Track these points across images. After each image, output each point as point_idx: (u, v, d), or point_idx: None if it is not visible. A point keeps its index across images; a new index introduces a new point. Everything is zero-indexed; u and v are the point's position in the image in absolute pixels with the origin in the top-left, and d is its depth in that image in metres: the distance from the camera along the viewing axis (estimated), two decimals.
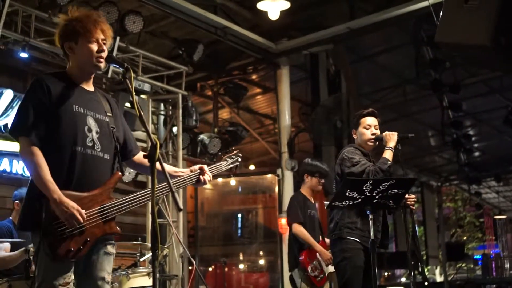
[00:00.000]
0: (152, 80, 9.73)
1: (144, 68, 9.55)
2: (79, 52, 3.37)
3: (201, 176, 3.63)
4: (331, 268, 6.48)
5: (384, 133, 5.05)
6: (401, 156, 5.03)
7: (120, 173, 3.40)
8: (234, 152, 4.06)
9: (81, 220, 3.12)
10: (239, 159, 4.05)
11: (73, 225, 3.11)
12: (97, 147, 3.34)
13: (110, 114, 3.49)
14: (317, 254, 6.50)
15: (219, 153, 4.09)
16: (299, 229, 6.48)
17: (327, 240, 6.36)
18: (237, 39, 10.26)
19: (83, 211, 3.14)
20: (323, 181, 6.79)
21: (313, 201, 6.82)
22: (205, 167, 3.67)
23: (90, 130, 3.33)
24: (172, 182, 3.38)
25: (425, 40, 11.68)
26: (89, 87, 3.49)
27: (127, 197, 3.33)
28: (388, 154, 4.91)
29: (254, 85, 13.57)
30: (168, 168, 3.60)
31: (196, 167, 3.67)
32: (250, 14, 10.41)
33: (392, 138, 4.97)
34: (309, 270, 6.38)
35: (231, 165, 3.98)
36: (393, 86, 14.32)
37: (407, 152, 5.08)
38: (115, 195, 3.36)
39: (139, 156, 3.68)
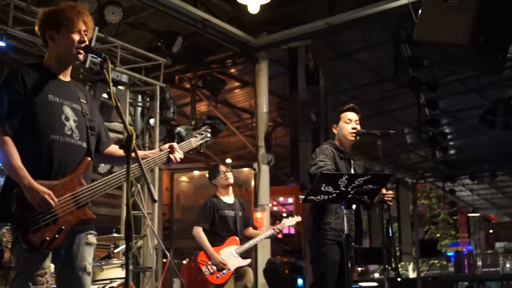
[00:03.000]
0: (130, 71, 9.68)
1: (122, 59, 9.50)
2: (61, 42, 3.36)
3: (171, 155, 3.61)
4: (238, 262, 6.59)
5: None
6: (381, 152, 5.05)
7: (89, 159, 3.38)
8: (203, 128, 4.02)
9: (53, 204, 3.11)
10: (209, 135, 4.02)
11: (46, 210, 3.10)
12: (76, 135, 3.35)
13: (85, 105, 3.49)
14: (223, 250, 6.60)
15: (191, 133, 4.02)
16: (195, 231, 6.67)
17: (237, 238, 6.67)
18: (216, 32, 10.23)
19: (55, 198, 3.13)
20: (229, 173, 6.82)
21: (232, 200, 6.85)
22: (174, 144, 3.64)
23: (67, 119, 3.34)
24: (143, 162, 3.36)
25: (404, 38, 11.73)
26: (66, 77, 3.48)
27: (99, 181, 3.32)
28: None
29: (233, 79, 13.55)
30: (139, 152, 3.61)
31: (166, 146, 3.64)
32: (230, 7, 10.39)
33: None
34: (203, 269, 6.49)
35: (201, 141, 3.96)
36: (371, 83, 14.38)
37: (383, 148, 5.08)
38: None
39: (112, 149, 3.67)
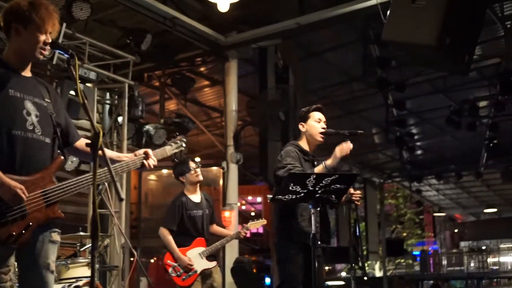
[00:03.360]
0: (99, 68, 9.59)
1: (90, 56, 9.40)
2: (25, 38, 3.30)
3: (145, 161, 3.62)
4: (205, 265, 6.58)
5: (338, 148, 5.03)
6: (351, 152, 5.07)
7: (62, 157, 3.36)
8: (179, 137, 4.08)
9: (24, 198, 3.08)
10: (184, 144, 4.06)
11: (17, 204, 3.07)
12: (38, 130, 3.29)
13: (49, 100, 3.43)
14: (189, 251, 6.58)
15: (165, 141, 4.06)
16: (161, 232, 6.61)
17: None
18: (186, 30, 10.19)
19: (26, 193, 3.09)
20: (199, 169, 6.80)
21: (199, 198, 6.82)
22: (149, 151, 3.65)
23: (29, 113, 3.28)
24: (116, 166, 3.40)
25: (373, 39, 11.84)
26: (27, 73, 3.42)
27: (70, 181, 3.29)
28: (320, 168, 5.00)
29: (202, 77, 13.52)
30: (112, 153, 3.62)
31: (141, 151, 3.65)
32: (200, 6, 10.35)
33: (344, 152, 4.98)
34: (169, 271, 6.47)
35: (176, 150, 4.00)
36: (340, 83, 14.47)
37: (352, 149, 5.11)
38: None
39: (81, 143, 3.63)
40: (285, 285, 4.98)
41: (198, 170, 6.79)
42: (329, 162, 4.98)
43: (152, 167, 3.66)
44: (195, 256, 6.55)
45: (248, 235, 6.91)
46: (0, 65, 3.31)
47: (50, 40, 3.32)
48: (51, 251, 3.32)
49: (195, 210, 6.70)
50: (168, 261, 6.52)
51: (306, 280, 4.88)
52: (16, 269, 3.31)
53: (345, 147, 4.99)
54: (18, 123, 3.22)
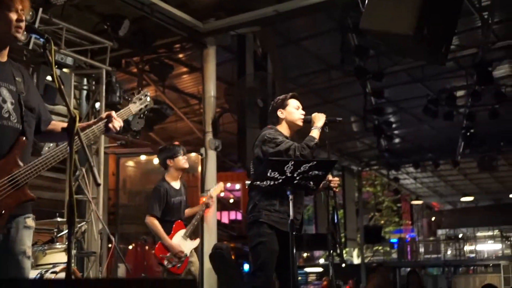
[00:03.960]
0: (76, 54, 9.52)
1: (67, 41, 9.32)
2: None
3: (110, 124, 3.47)
4: (191, 245, 6.65)
5: (313, 114, 5.14)
6: (328, 139, 5.12)
7: (24, 138, 3.26)
8: (142, 92, 3.88)
9: None
10: (148, 98, 3.86)
11: None
12: (13, 118, 3.24)
13: (21, 84, 3.36)
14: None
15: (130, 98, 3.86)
16: (150, 221, 6.53)
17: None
18: (164, 16, 10.12)
19: None
20: (186, 157, 6.81)
21: (179, 185, 6.81)
22: (113, 113, 3.50)
23: (4, 101, 3.23)
24: (82, 134, 3.23)
25: (351, 27, 11.87)
26: (3, 58, 3.35)
27: (35, 161, 3.22)
28: (315, 133, 5.01)
29: (181, 64, 13.47)
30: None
31: (104, 114, 3.51)
32: None
33: (320, 118, 5.08)
34: (165, 263, 6.45)
35: (141, 106, 3.82)
36: (318, 71, 14.51)
37: (329, 136, 5.17)
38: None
39: (51, 125, 3.55)
40: (258, 273, 5.01)
41: (185, 157, 6.77)
42: (314, 134, 5.03)
43: (118, 128, 3.51)
44: (180, 240, 6.56)
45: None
46: None
47: (23, 18, 3.24)
48: (26, 237, 3.28)
49: (177, 197, 6.70)
50: (161, 255, 6.46)
51: (281, 265, 4.94)
52: None
53: (319, 115, 5.12)
54: None
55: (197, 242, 6.75)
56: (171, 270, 6.47)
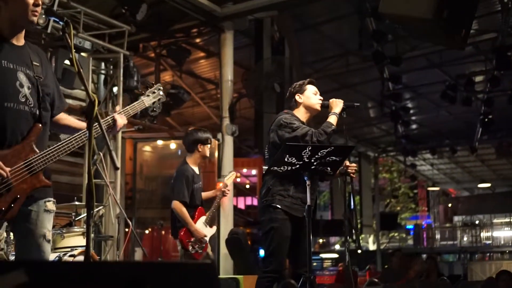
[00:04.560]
0: (94, 38, 9.53)
1: (85, 25, 9.34)
2: (13, 3, 3.18)
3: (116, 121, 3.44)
4: (210, 231, 6.62)
5: (330, 100, 5.11)
6: (345, 125, 5.10)
7: (40, 125, 3.25)
8: (155, 86, 3.86)
9: (4, 175, 3.03)
10: (161, 93, 3.85)
11: (0, 180, 3.02)
12: (30, 102, 3.22)
13: (39, 68, 3.34)
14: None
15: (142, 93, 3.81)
16: (178, 206, 6.40)
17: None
18: (181, 0, 10.10)
19: (8, 168, 3.04)
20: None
21: (198, 170, 6.75)
22: (116, 115, 3.46)
23: (21, 85, 3.21)
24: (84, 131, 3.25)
25: (370, 11, 11.78)
26: (19, 42, 3.32)
27: (52, 147, 3.22)
28: (332, 119, 4.98)
29: (198, 49, 13.46)
30: (79, 123, 3.47)
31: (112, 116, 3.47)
32: None
33: (338, 104, 5.04)
34: (190, 249, 6.43)
35: (154, 99, 3.81)
36: (336, 56, 14.44)
37: (346, 122, 5.16)
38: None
39: (66, 119, 3.53)
40: (270, 258, 5.00)
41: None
42: (332, 120, 5.01)
43: (122, 125, 3.49)
44: (202, 226, 6.57)
45: (228, 190, 6.89)
46: None
47: (39, 2, 3.20)
48: (46, 220, 3.29)
49: (199, 182, 6.69)
50: (187, 240, 6.46)
51: (293, 252, 4.93)
52: (12, 238, 3.30)
53: (337, 100, 5.09)
54: (11, 95, 3.16)
55: (214, 229, 6.75)
56: (195, 256, 6.47)
